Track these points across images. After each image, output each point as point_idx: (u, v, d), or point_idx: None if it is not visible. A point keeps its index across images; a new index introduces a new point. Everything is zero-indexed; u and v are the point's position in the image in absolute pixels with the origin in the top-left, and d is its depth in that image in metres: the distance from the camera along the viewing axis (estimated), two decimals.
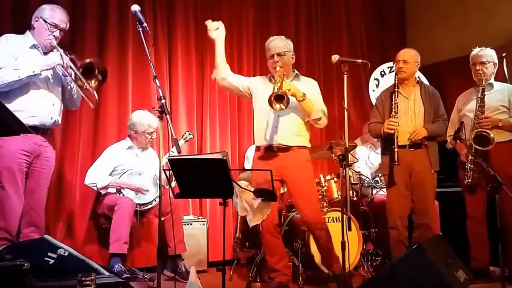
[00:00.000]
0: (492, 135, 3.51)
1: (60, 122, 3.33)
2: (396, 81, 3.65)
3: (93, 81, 3.10)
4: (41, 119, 3.12)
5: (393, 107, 3.57)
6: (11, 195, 3.01)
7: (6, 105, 2.89)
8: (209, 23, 3.36)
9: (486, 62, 3.75)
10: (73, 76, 3.15)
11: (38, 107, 3.09)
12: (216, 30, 3.35)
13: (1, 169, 3.00)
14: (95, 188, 3.87)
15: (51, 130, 3.29)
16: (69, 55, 3.12)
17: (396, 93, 3.60)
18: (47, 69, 3.07)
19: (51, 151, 3.29)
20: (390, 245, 3.64)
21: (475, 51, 3.83)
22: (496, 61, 3.84)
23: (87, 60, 3.12)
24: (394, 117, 3.53)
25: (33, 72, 2.96)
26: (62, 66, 3.08)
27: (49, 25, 3.12)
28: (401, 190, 3.60)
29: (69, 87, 3.28)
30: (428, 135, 3.57)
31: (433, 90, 3.83)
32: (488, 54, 3.78)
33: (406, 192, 3.60)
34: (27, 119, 2.97)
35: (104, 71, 3.14)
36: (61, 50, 3.10)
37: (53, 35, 3.13)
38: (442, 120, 3.69)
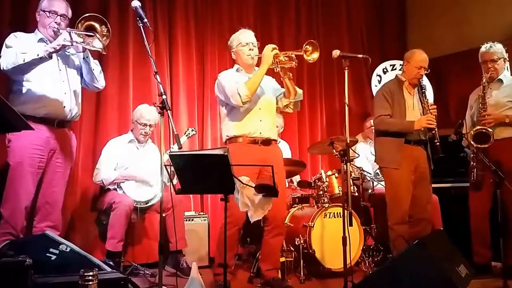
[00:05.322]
0: (491, 131, 3.49)
1: (79, 112, 3.32)
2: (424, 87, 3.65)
3: (99, 32, 3.02)
4: (53, 109, 3.10)
5: (423, 105, 3.58)
6: (18, 190, 3.01)
7: (18, 97, 3.03)
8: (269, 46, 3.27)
9: (497, 59, 3.70)
10: (81, 48, 3.09)
11: (49, 97, 3.07)
12: (272, 52, 3.23)
13: (12, 164, 3.01)
14: (103, 185, 3.88)
15: (70, 122, 3.27)
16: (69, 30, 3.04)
17: (424, 95, 3.61)
18: (53, 51, 2.96)
19: (71, 145, 3.27)
20: (394, 241, 3.55)
21: (484, 48, 3.76)
22: (506, 55, 3.77)
23: (83, 22, 3.00)
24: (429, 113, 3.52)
25: (37, 55, 2.92)
26: (71, 44, 3.00)
27: (48, 13, 3.14)
28: (408, 185, 3.57)
29: (86, 63, 3.23)
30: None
31: None
32: (498, 51, 3.73)
33: (411, 187, 3.59)
34: (38, 110, 2.99)
35: (98, 19, 3.02)
36: (65, 31, 3.01)
37: (55, 22, 3.13)
38: None
